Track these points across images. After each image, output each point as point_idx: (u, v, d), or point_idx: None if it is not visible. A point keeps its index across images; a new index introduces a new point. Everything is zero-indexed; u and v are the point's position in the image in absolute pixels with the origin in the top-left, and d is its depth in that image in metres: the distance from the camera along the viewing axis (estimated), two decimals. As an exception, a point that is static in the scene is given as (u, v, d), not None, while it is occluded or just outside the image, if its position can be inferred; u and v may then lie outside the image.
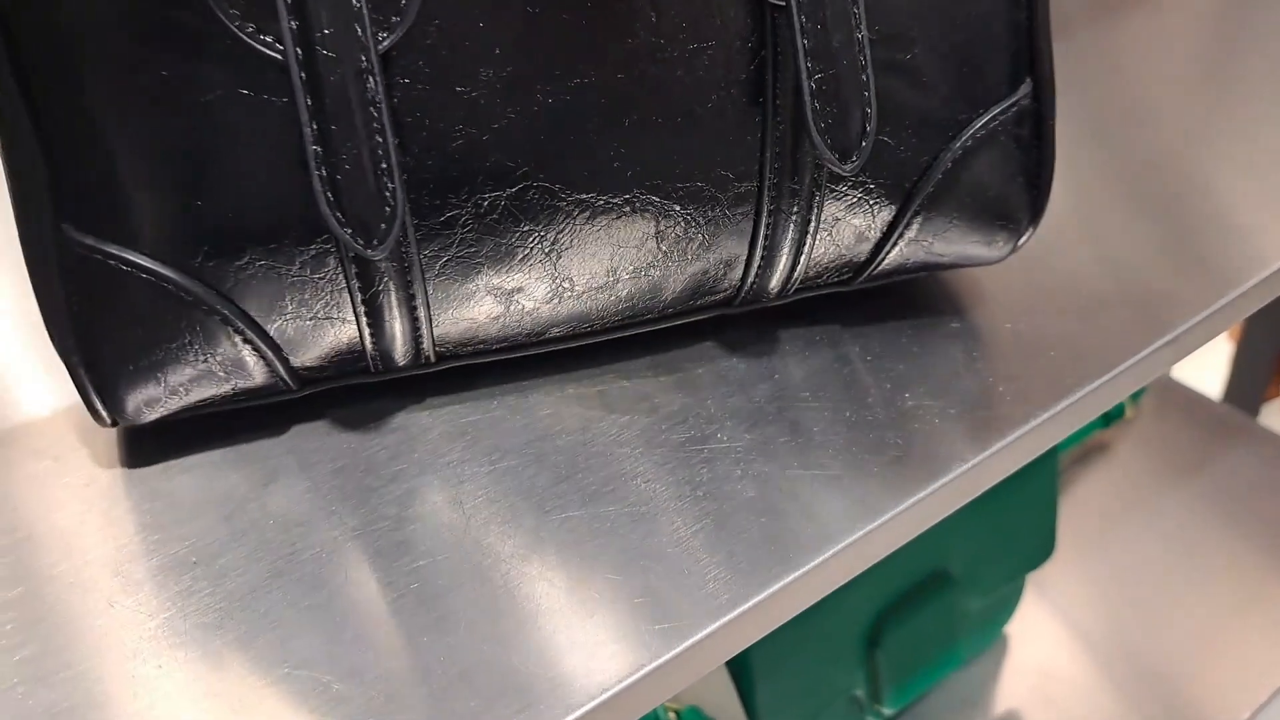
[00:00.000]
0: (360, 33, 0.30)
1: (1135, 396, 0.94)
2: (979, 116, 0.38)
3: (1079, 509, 0.88)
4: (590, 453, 0.36)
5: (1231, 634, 0.80)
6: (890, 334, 0.41)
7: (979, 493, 0.38)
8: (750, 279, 0.39)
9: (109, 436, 0.37)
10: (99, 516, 0.34)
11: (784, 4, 0.34)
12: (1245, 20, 0.67)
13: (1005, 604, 0.74)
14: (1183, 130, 0.55)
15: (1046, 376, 0.39)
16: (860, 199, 0.38)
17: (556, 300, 0.37)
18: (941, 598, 0.66)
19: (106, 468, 0.36)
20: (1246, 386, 1.10)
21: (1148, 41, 0.63)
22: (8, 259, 0.47)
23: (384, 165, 0.31)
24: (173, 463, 0.36)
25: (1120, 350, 0.41)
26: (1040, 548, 0.72)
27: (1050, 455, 0.71)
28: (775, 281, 0.39)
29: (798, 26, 0.34)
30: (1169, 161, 0.52)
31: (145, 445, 0.37)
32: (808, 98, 0.34)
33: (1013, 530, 0.69)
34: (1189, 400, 0.97)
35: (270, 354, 0.34)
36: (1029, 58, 0.38)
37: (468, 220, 0.34)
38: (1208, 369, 1.22)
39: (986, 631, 0.74)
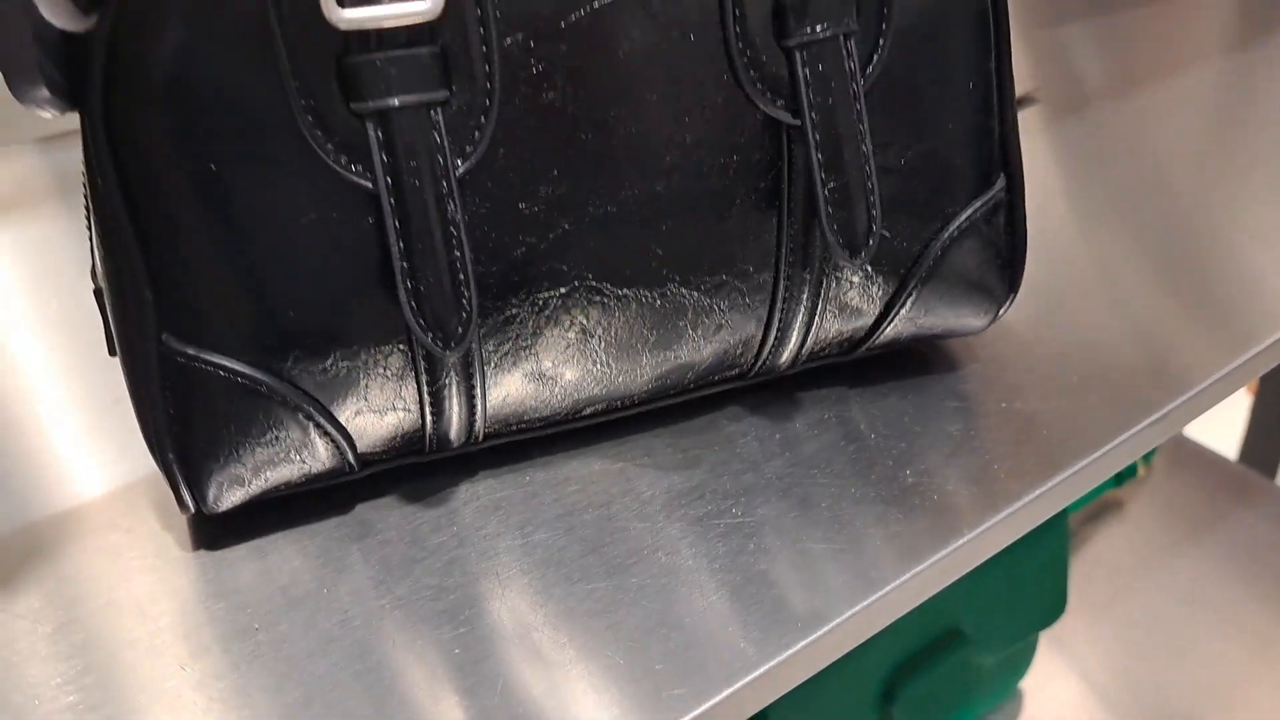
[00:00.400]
0: (441, 163, 0.34)
1: (1147, 456, 0.96)
2: (963, 210, 0.42)
3: (1092, 566, 0.90)
4: (615, 527, 0.39)
5: (1245, 691, 0.81)
6: (893, 414, 0.44)
7: (977, 564, 0.40)
8: (764, 356, 0.43)
9: (175, 511, 0.41)
10: (168, 586, 0.38)
11: (799, 124, 0.38)
12: (1256, 88, 0.70)
13: (1019, 660, 0.76)
14: (1188, 206, 0.57)
15: (1040, 454, 0.42)
16: (862, 284, 0.42)
17: (595, 382, 0.40)
18: (955, 655, 0.68)
19: (175, 541, 0.39)
20: (1263, 445, 1.11)
21: (1158, 114, 0.66)
22: (89, 351, 0.51)
23: (461, 276, 0.35)
24: (235, 537, 0.39)
25: (1110, 427, 0.43)
26: (1052, 606, 0.74)
27: (1061, 516, 0.73)
28: (786, 357, 0.43)
29: (812, 144, 0.38)
30: (1172, 237, 0.55)
31: (210, 520, 0.40)
32: (822, 205, 0.38)
33: (1024, 589, 0.71)
34: (1202, 458, 0.99)
35: (342, 442, 0.38)
36: (1002, 157, 0.43)
37: (525, 317, 0.37)
38: (1226, 424, 1.23)
39: (1001, 687, 0.76)
